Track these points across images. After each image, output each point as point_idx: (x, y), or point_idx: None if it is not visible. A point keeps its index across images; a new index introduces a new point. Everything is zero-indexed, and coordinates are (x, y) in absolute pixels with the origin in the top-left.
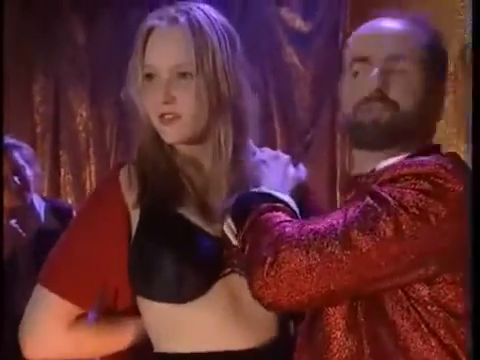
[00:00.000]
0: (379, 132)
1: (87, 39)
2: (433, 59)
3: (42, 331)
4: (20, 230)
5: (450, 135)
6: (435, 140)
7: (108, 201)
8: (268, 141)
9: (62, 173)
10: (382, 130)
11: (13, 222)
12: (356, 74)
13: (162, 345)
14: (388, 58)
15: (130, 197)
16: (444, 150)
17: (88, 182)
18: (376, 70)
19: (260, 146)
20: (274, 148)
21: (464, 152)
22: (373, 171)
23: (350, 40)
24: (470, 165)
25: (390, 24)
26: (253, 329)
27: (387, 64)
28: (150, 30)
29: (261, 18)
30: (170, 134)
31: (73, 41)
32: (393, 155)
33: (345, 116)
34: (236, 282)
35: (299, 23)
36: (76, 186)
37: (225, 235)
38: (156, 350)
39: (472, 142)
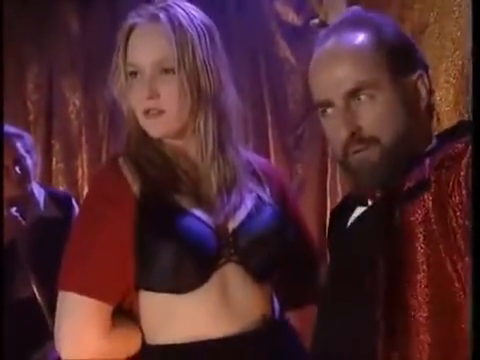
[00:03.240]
0: (372, 172)
1: (81, 27)
2: (394, 59)
3: (78, 332)
4: (20, 218)
5: None
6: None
7: (117, 194)
8: (260, 134)
9: (54, 161)
10: (373, 169)
11: (13, 210)
12: (324, 113)
13: (158, 337)
14: (345, 95)
15: (135, 187)
16: None
17: (80, 171)
18: (340, 116)
19: (253, 138)
20: (266, 141)
21: None
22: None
23: (309, 80)
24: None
25: (335, 54)
26: (239, 315)
27: (347, 101)
28: (131, 28)
29: (255, 11)
30: (155, 128)
31: (66, 29)
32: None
33: (336, 157)
34: (228, 272)
35: (292, 16)
36: (68, 175)
37: (221, 225)
38: (152, 342)
39: (472, 142)
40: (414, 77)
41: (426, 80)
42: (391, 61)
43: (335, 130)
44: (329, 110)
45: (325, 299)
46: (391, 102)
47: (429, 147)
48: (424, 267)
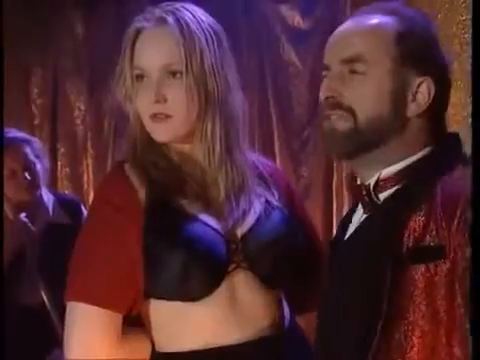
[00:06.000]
0: (339, 142)
1: (86, 31)
2: (408, 54)
3: (89, 343)
4: (29, 224)
5: None
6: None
7: (124, 200)
8: (266, 137)
9: (59, 166)
10: (341, 140)
11: (23, 216)
12: (323, 77)
13: (168, 345)
14: (342, 62)
15: (142, 193)
16: None
17: (85, 175)
18: (328, 79)
19: (259, 141)
20: (272, 144)
21: None
22: (379, 181)
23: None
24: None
25: (352, 25)
26: (247, 321)
27: (342, 68)
28: (138, 32)
29: (260, 15)
30: (161, 133)
31: (72, 33)
32: (389, 162)
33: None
34: (237, 278)
35: (298, 20)
36: (73, 179)
37: (230, 231)
38: (161, 350)
39: (472, 141)
40: (418, 80)
41: (431, 88)
42: (403, 55)
43: (321, 91)
44: (325, 72)
45: (322, 307)
46: (382, 87)
47: (426, 151)
48: (422, 284)
